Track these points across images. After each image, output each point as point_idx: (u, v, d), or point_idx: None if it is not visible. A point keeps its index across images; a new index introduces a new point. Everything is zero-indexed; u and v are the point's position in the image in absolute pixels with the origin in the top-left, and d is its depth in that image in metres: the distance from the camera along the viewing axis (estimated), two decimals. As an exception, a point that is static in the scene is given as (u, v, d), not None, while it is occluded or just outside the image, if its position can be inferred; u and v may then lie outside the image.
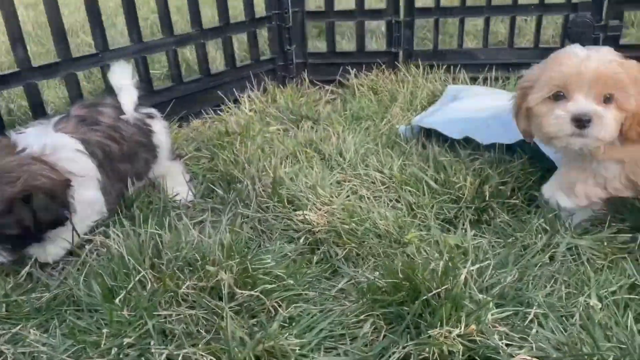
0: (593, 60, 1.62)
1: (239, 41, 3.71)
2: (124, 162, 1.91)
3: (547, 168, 2.09)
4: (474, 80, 3.17)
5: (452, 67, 3.23)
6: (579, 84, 1.60)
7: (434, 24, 3.22)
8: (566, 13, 3.07)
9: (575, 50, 1.67)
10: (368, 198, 2.00)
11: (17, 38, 2.29)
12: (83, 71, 2.55)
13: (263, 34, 3.44)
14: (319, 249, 1.77)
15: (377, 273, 1.57)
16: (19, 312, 1.54)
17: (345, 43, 3.94)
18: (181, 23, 4.20)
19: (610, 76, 1.59)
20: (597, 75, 1.59)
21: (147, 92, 2.72)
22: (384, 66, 3.29)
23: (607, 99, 1.61)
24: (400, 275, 1.42)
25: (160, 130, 2.09)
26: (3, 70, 3.27)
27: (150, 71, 2.87)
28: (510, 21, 3.15)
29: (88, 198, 1.76)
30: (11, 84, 2.36)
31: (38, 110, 2.38)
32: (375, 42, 3.86)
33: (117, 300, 1.46)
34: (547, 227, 1.72)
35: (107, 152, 1.85)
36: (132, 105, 1.99)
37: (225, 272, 1.46)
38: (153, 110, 2.13)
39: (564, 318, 1.40)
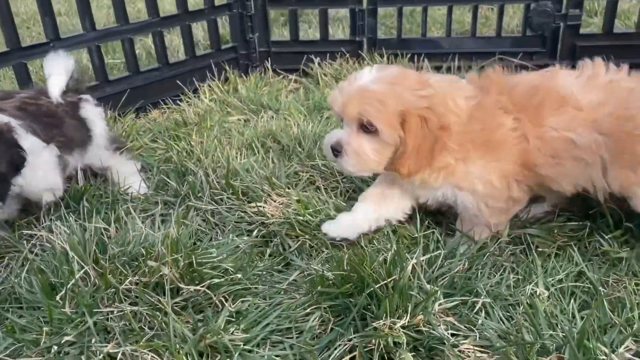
0: (351, 86, 1.54)
1: (204, 30, 3.65)
2: (49, 118, 1.90)
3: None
4: (437, 69, 3.16)
5: (416, 56, 3.22)
6: (339, 111, 1.57)
7: (398, 12, 3.20)
8: (527, 2, 3.07)
9: (358, 74, 1.58)
10: (325, 189, 1.98)
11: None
12: (33, 60, 2.45)
13: (225, 22, 3.38)
14: (272, 242, 1.75)
15: (327, 265, 1.55)
16: (-43, 310, 1.49)
17: (311, 32, 3.89)
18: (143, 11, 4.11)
19: (355, 105, 1.51)
20: (344, 104, 1.53)
21: (102, 81, 2.66)
22: (347, 55, 3.27)
23: (369, 129, 1.51)
24: (347, 267, 1.40)
25: (94, 114, 2.06)
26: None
27: (109, 60, 2.79)
28: (472, 10, 3.14)
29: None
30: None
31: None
32: (342, 31, 3.82)
33: (58, 297, 1.42)
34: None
35: (28, 110, 1.86)
36: (59, 90, 1.97)
37: (169, 267, 1.42)
38: (87, 96, 2.12)
39: (510, 307, 1.40)
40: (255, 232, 1.78)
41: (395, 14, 3.27)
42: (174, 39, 3.73)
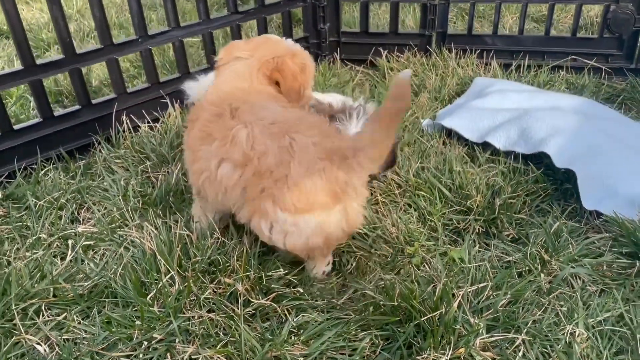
0: None
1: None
2: None
3: (560, 180, 2.15)
4: (506, 67, 3.16)
5: (485, 52, 3.22)
6: None
7: (470, 8, 3.18)
8: (607, 3, 2.98)
9: None
10: (384, 203, 2.11)
11: None
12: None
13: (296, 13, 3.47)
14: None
15: (380, 287, 1.70)
16: (65, 297, 1.76)
17: (381, 23, 3.90)
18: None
19: None
20: None
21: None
22: (416, 49, 3.30)
23: None
24: (398, 300, 1.55)
25: None
26: None
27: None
28: (548, 9, 3.08)
29: None
30: None
31: None
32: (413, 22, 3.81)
33: (148, 298, 1.66)
34: (544, 255, 1.80)
35: None
36: None
37: (242, 282, 1.62)
38: None
39: (549, 346, 1.52)
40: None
41: (464, 8, 3.25)
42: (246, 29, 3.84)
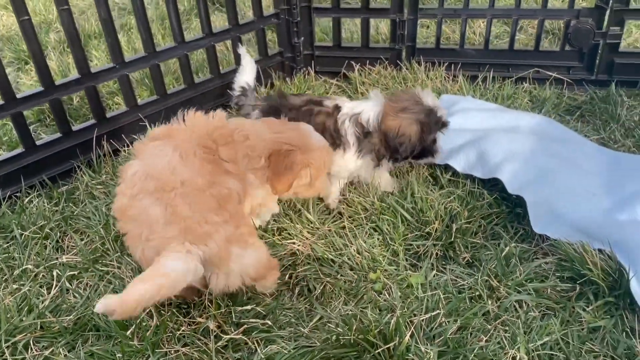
0: None
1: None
2: None
3: (514, 203, 2.30)
4: (473, 79, 3.28)
5: (452, 65, 3.34)
6: None
7: (437, 23, 3.29)
8: (568, 18, 3.10)
9: None
10: (350, 228, 2.25)
11: None
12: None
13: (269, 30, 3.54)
14: (298, 283, 2.05)
15: (342, 320, 1.85)
16: (51, 330, 1.89)
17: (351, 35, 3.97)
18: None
19: None
20: None
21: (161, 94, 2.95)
22: (386, 62, 3.41)
23: None
24: (356, 334, 1.70)
25: None
26: None
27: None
28: (512, 24, 3.20)
29: None
30: None
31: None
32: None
33: (128, 332, 1.80)
34: (492, 282, 1.95)
35: None
36: None
37: (214, 319, 1.77)
38: None
39: (492, 370, 1.68)
40: (285, 272, 2.09)
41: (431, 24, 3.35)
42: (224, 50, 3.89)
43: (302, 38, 3.45)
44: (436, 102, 2.30)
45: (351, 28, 4.06)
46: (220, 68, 3.20)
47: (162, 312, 1.84)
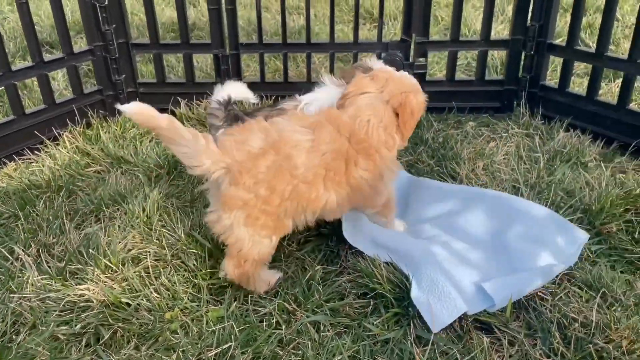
0: None
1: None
2: None
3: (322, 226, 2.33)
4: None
5: (279, 97, 3.39)
6: None
7: (260, 58, 3.35)
8: (379, 51, 3.30)
9: None
10: (154, 266, 2.13)
11: None
12: None
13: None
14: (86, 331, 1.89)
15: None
16: None
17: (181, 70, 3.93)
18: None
19: None
20: None
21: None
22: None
23: None
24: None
25: None
26: None
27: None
28: (329, 57, 3.34)
29: None
30: None
31: None
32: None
33: None
34: (289, 306, 1.94)
35: None
36: None
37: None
38: None
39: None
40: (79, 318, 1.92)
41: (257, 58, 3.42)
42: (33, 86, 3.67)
43: (124, 75, 3.33)
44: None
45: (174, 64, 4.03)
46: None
47: None
